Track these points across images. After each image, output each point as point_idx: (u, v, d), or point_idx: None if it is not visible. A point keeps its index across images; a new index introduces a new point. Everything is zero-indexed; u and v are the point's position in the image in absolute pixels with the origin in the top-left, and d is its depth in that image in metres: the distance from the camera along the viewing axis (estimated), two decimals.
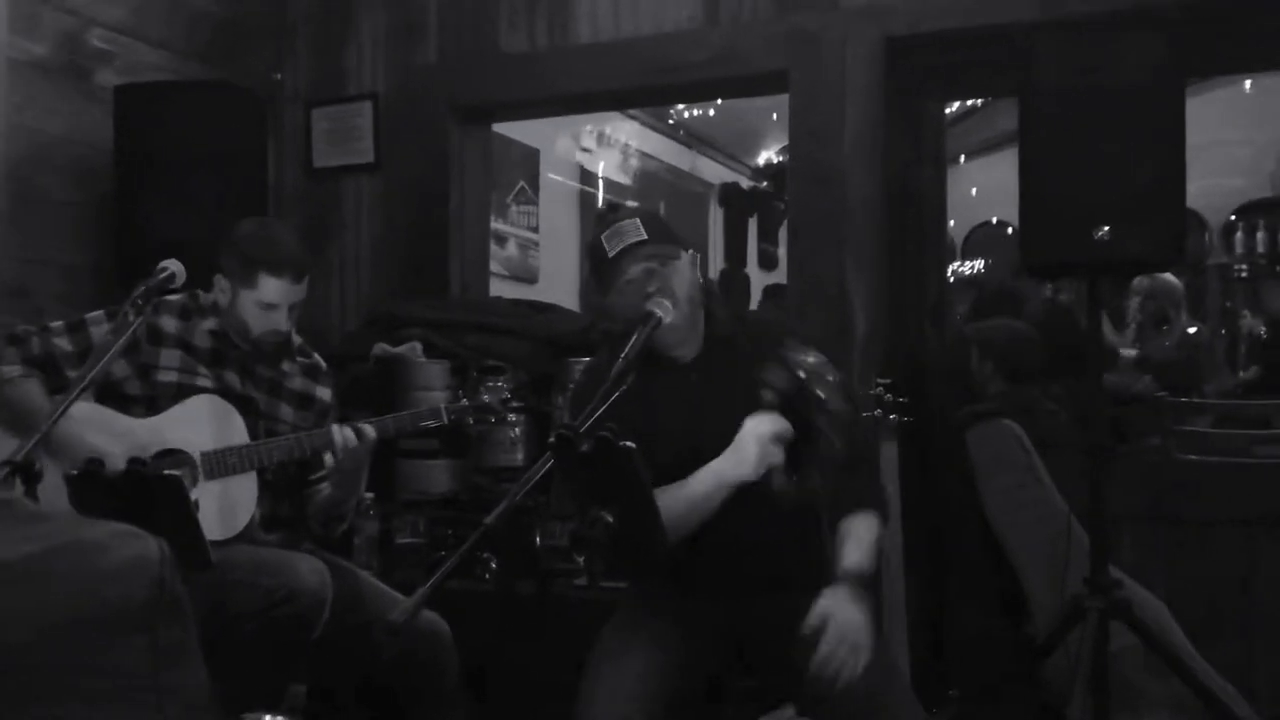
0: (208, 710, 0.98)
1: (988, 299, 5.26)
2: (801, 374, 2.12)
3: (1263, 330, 6.29)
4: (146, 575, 0.92)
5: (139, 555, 0.93)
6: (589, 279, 5.02)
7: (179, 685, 0.93)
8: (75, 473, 2.12)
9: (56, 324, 2.59)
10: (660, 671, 2.09)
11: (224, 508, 2.51)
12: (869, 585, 2.08)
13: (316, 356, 2.83)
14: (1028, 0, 3.16)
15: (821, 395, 2.11)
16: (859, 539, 2.13)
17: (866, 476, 2.26)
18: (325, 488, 2.66)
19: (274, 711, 2.05)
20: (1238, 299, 7.10)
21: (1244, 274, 7.11)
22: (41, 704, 0.90)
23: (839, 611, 2.00)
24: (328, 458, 2.55)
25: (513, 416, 2.70)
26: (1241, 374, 5.87)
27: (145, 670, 0.91)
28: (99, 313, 2.60)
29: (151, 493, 2.09)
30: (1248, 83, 6.59)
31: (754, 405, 2.11)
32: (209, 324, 2.63)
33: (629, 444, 1.67)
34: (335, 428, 2.53)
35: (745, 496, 2.12)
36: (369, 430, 2.53)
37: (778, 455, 2.08)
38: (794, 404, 2.13)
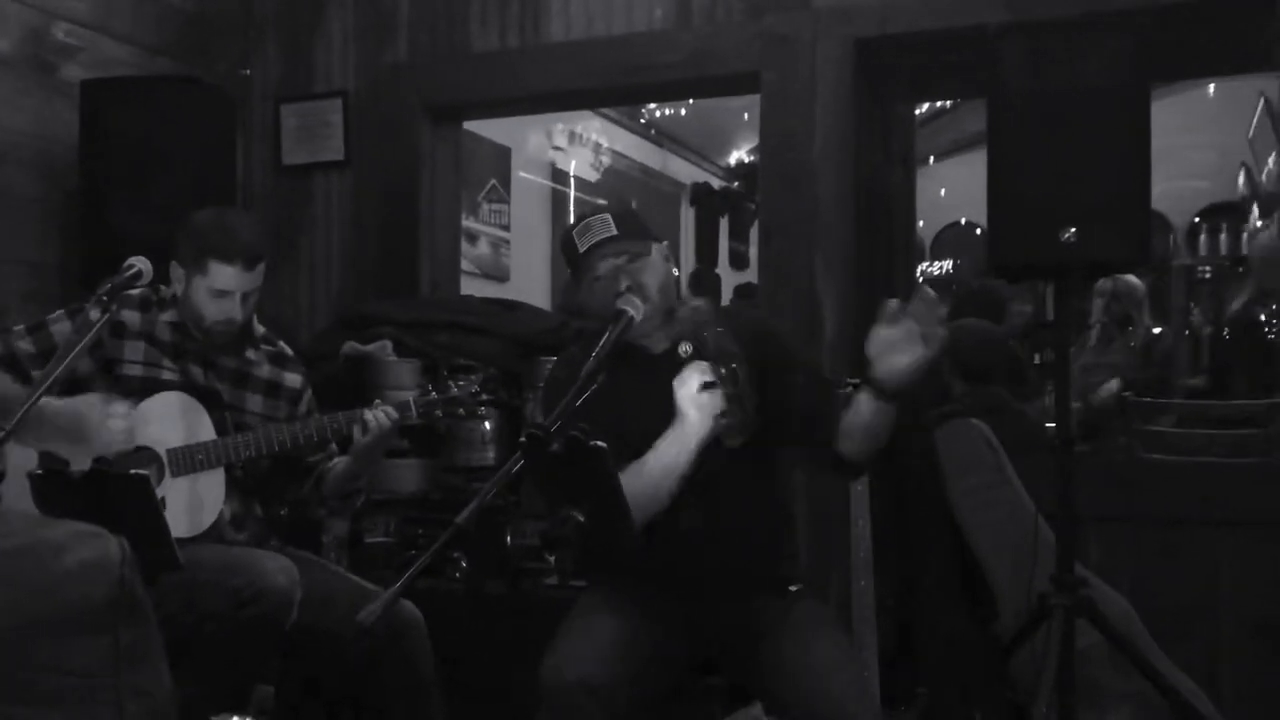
0: (169, 710, 0.98)
1: (965, 299, 5.24)
2: (684, 316, 2.16)
3: (1226, 332, 6.36)
4: (107, 575, 0.91)
5: (99, 555, 0.92)
6: (567, 283, 5.02)
7: (140, 685, 0.92)
8: (38, 472, 2.10)
9: (18, 327, 2.56)
10: (628, 636, 2.10)
11: (191, 505, 2.49)
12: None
13: (282, 344, 2.80)
14: (995, 2, 3.19)
15: (704, 337, 2.12)
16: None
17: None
18: (337, 463, 2.67)
19: (242, 713, 2.04)
20: (1202, 301, 7.19)
21: (1207, 276, 7.20)
22: (2, 703, 0.89)
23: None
24: (357, 432, 2.55)
25: (483, 410, 2.70)
26: (1190, 381, 5.92)
27: (106, 670, 0.90)
28: (59, 312, 2.58)
29: (117, 492, 2.06)
30: (1211, 87, 6.68)
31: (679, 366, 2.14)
32: (169, 315, 2.61)
33: (600, 444, 1.67)
34: (369, 411, 2.55)
35: (706, 492, 2.13)
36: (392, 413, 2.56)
37: (715, 402, 2.07)
38: (708, 349, 2.12)
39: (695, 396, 2.08)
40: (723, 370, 2.06)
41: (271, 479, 2.71)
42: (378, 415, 2.54)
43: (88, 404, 2.42)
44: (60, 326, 2.53)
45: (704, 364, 2.09)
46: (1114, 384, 4.94)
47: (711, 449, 2.10)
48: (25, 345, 2.52)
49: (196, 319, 2.57)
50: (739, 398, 2.06)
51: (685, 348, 2.16)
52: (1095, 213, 2.51)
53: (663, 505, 2.09)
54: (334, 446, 2.73)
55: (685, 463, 2.09)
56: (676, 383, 2.10)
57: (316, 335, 3.85)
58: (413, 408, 2.61)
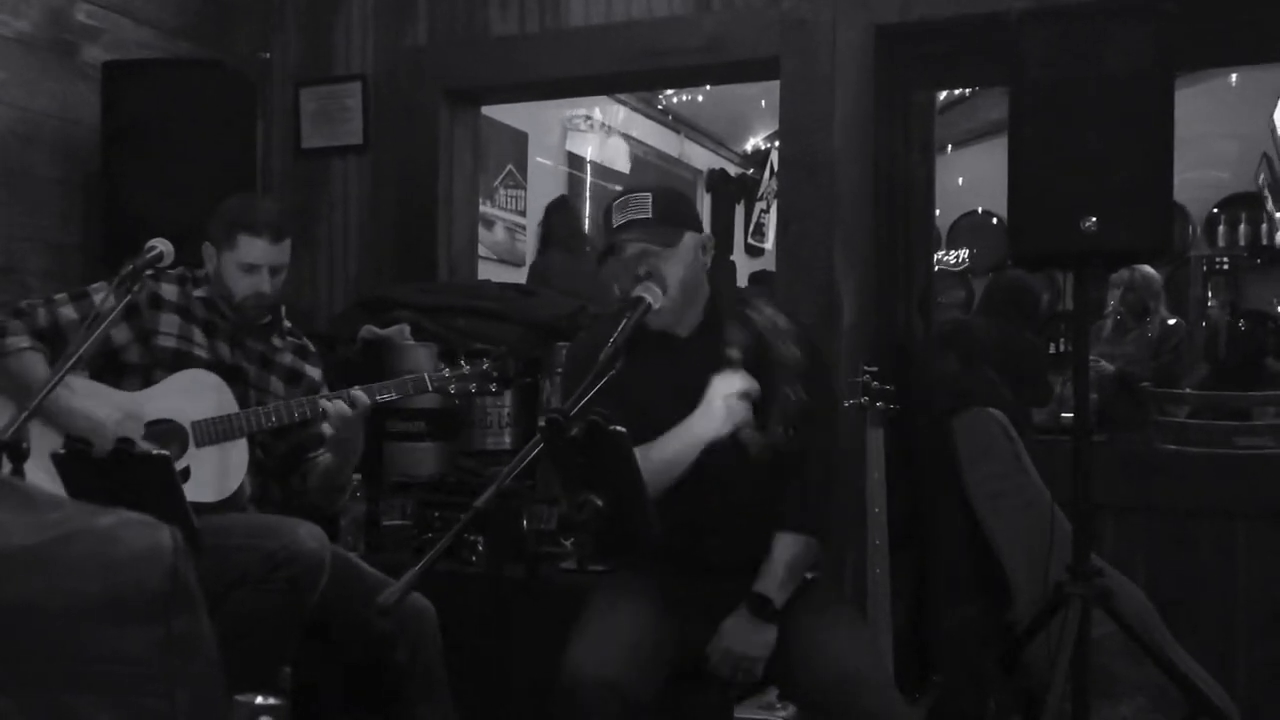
0: (220, 700, 0.99)
1: (999, 294, 5.17)
2: (756, 322, 2.16)
3: (1242, 323, 6.33)
4: (161, 565, 0.92)
5: (152, 544, 0.92)
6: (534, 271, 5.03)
7: (191, 675, 0.93)
8: (62, 452, 2.12)
9: (60, 295, 2.61)
10: (647, 630, 2.11)
11: (215, 472, 2.54)
12: (770, 614, 2.16)
13: (306, 340, 2.87)
14: None
15: (774, 345, 2.14)
16: (776, 563, 2.19)
17: (807, 489, 2.26)
18: (324, 459, 2.68)
19: (264, 693, 2.04)
20: (1219, 292, 7.15)
21: (1225, 266, 7.16)
22: (51, 691, 0.90)
23: (729, 637, 2.15)
24: (325, 427, 2.56)
25: (494, 387, 2.71)
26: (1200, 371, 5.89)
27: (158, 660, 0.91)
28: (101, 283, 2.62)
29: (140, 472, 2.08)
30: (1234, 76, 6.62)
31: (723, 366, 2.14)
32: (201, 292, 2.68)
33: (620, 429, 1.67)
34: (326, 400, 2.54)
35: (724, 477, 2.13)
36: (362, 396, 2.53)
37: (744, 412, 2.09)
38: (755, 359, 2.15)
39: (730, 398, 2.09)
40: (785, 403, 2.09)
41: (291, 462, 2.74)
42: (337, 405, 2.52)
43: (93, 423, 2.44)
44: (101, 296, 2.56)
45: (751, 379, 2.10)
46: (1105, 366, 4.93)
47: (731, 440, 2.11)
48: (68, 312, 2.57)
49: (227, 295, 2.65)
50: (784, 427, 2.10)
51: (735, 352, 2.14)
52: (1117, 202, 2.50)
53: (667, 487, 2.09)
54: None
55: (695, 452, 2.10)
56: (718, 378, 2.10)
57: (334, 318, 3.87)
58: (428, 382, 2.64)
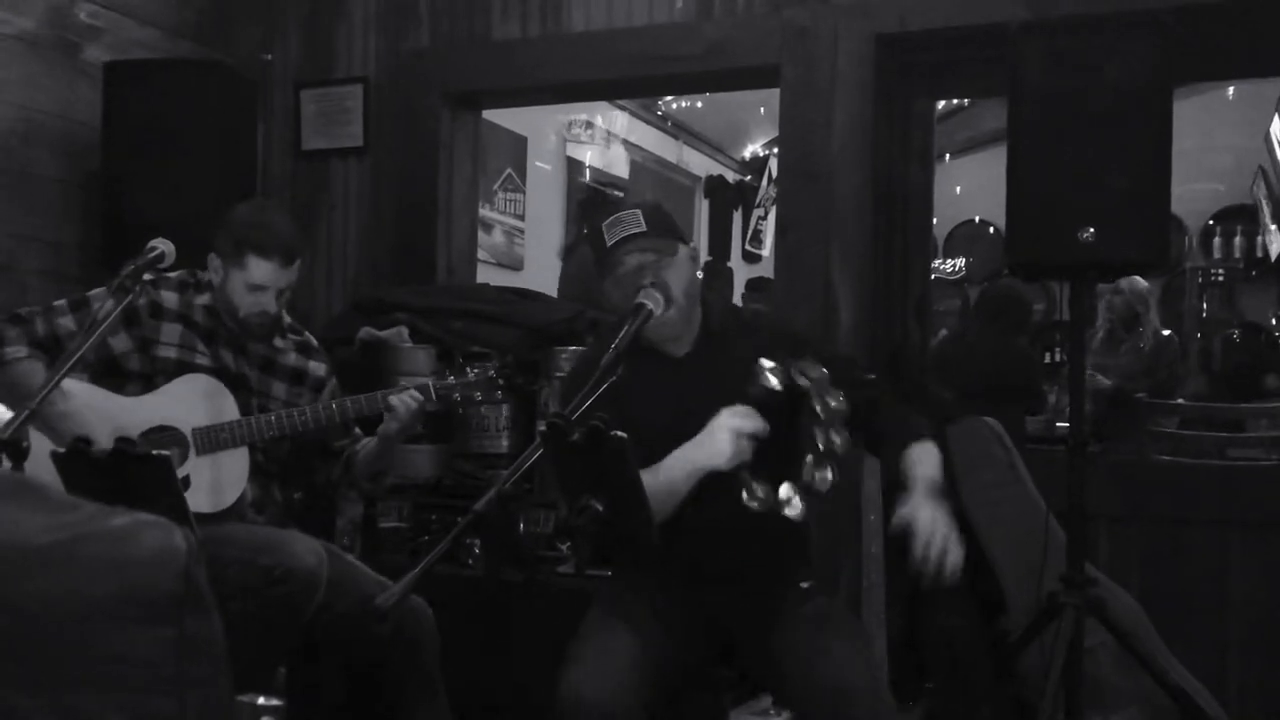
0: (229, 703, 0.99)
1: (991, 302, 5.18)
2: (803, 382, 2.08)
3: (1236, 335, 6.36)
4: (174, 567, 0.92)
5: (165, 546, 0.93)
6: (567, 271, 5.05)
7: (201, 678, 0.93)
8: (62, 451, 2.12)
9: (60, 302, 2.58)
10: (644, 652, 2.10)
11: (214, 483, 2.51)
12: (941, 492, 2.09)
13: (307, 334, 2.84)
14: (1016, 0, 3.18)
15: (818, 399, 2.07)
16: (924, 456, 2.15)
17: (913, 415, 2.25)
18: (364, 445, 2.70)
19: (263, 694, 2.05)
20: (1214, 304, 7.19)
21: (1220, 278, 7.20)
22: (62, 690, 0.90)
23: (919, 511, 2.05)
24: (391, 422, 2.57)
25: (499, 395, 2.70)
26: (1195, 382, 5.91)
27: (169, 661, 0.92)
28: (101, 290, 2.59)
29: (140, 472, 2.08)
30: (1231, 89, 6.65)
31: (741, 399, 2.11)
32: (204, 299, 2.65)
33: (620, 434, 1.68)
34: (393, 396, 2.56)
35: (722, 486, 2.13)
36: (415, 396, 2.56)
37: (747, 451, 2.06)
38: (781, 409, 2.10)
39: (738, 435, 2.05)
40: (820, 448, 2.06)
41: (292, 464, 2.73)
42: (404, 399, 2.55)
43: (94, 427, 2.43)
44: (105, 306, 2.54)
45: (761, 421, 2.06)
46: (1102, 380, 4.95)
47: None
48: (67, 322, 2.54)
49: (231, 310, 2.61)
50: (818, 474, 2.06)
51: (757, 391, 2.09)
52: (1114, 213, 2.51)
53: (662, 516, 2.06)
54: (358, 430, 2.74)
55: (693, 481, 2.08)
56: (728, 410, 2.07)
57: (332, 320, 3.86)
58: (431, 391, 2.62)
